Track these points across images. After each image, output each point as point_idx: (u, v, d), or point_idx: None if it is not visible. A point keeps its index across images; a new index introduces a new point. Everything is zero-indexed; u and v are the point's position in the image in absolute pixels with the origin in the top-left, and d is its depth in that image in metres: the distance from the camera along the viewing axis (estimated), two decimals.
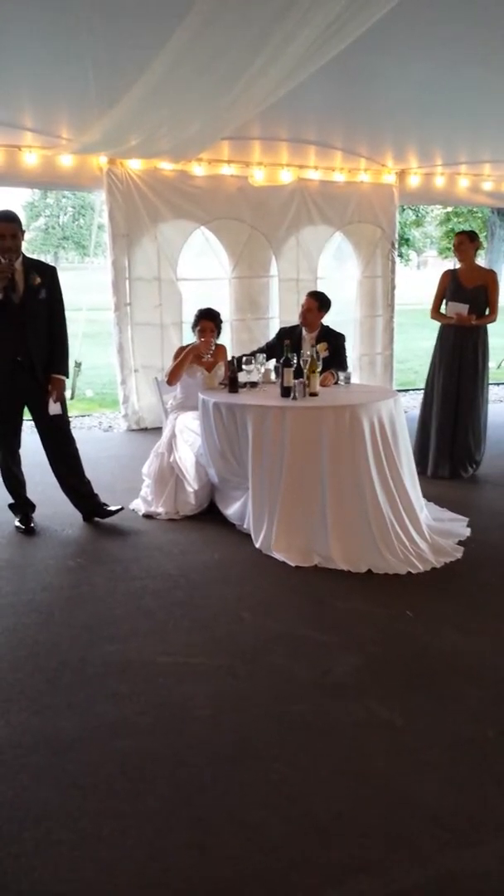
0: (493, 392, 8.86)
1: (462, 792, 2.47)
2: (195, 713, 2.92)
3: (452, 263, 6.50)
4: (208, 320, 5.63)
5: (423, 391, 6.67)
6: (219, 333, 5.74)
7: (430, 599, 3.95)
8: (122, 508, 5.14)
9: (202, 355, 5.57)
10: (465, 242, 6.28)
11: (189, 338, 5.90)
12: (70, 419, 5.19)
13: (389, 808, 2.39)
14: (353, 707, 2.95)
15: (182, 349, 5.69)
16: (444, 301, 6.34)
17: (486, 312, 6.24)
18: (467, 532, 4.87)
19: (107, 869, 2.15)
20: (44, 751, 2.68)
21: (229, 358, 5.56)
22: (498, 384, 11.01)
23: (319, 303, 5.72)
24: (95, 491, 5.14)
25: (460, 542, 4.69)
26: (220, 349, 5.76)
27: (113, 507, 5.11)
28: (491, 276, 6.35)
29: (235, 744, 2.73)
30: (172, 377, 5.56)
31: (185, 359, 5.50)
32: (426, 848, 2.22)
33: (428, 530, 4.65)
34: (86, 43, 4.60)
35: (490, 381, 6.61)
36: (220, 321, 5.73)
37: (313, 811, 2.38)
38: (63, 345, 4.88)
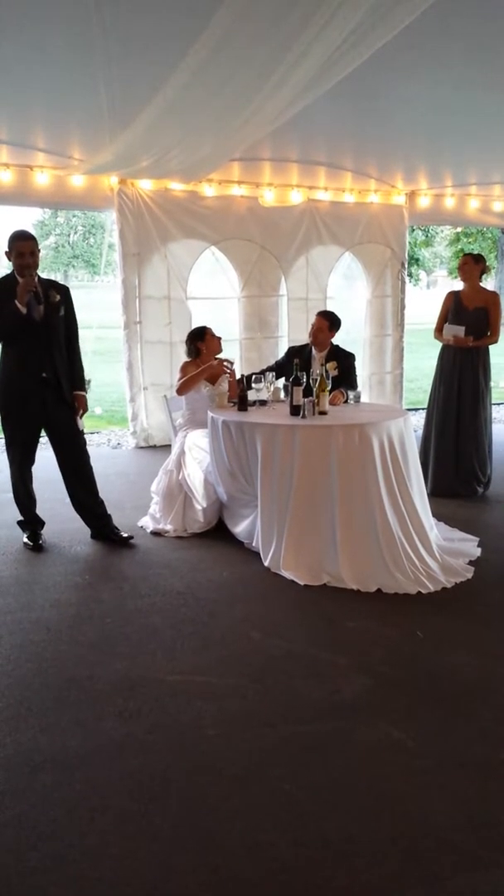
0: (499, 412, 8.85)
1: (474, 813, 2.44)
2: (203, 732, 2.89)
3: (462, 284, 6.52)
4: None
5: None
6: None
7: (440, 619, 3.92)
8: (132, 537, 5.08)
9: (218, 376, 5.61)
10: (470, 264, 6.34)
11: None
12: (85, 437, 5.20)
13: (401, 830, 2.36)
14: (363, 728, 2.93)
15: (187, 364, 5.70)
16: (446, 323, 6.38)
17: (487, 334, 6.26)
18: (478, 552, 4.84)
19: (115, 888, 2.13)
20: (51, 769, 2.66)
21: (238, 376, 5.58)
22: (501, 404, 10.99)
23: (330, 322, 5.73)
24: (108, 512, 5.13)
25: (471, 562, 4.67)
26: (221, 363, 5.82)
27: (125, 535, 5.07)
28: (493, 298, 6.39)
29: (244, 764, 2.70)
30: (183, 389, 5.56)
31: (201, 375, 5.50)
32: (438, 870, 2.19)
33: (438, 550, 4.63)
34: (99, 65, 4.65)
35: (494, 401, 6.61)
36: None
37: (324, 832, 2.35)
38: (80, 362, 4.99)
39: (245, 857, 2.25)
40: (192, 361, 5.69)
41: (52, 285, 4.82)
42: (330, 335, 5.75)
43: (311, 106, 5.04)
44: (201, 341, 5.69)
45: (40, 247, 4.82)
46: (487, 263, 6.59)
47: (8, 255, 4.65)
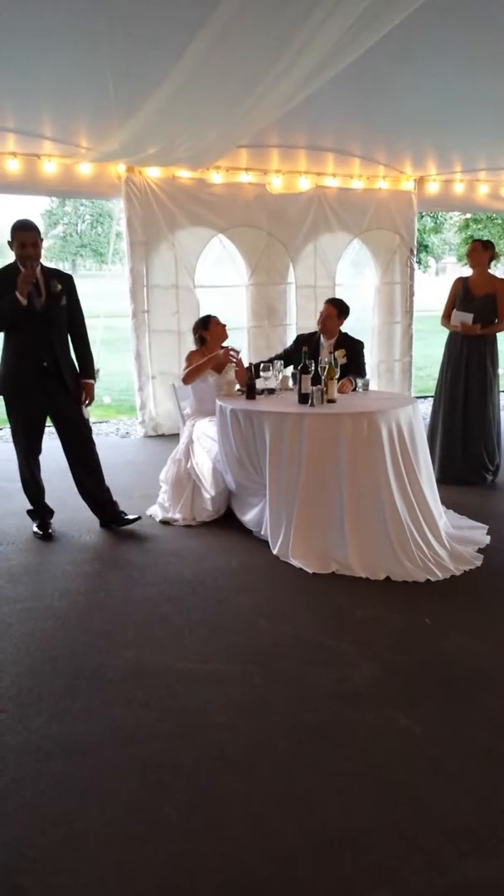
0: None
1: (481, 801, 2.45)
2: (212, 719, 2.91)
3: (471, 270, 6.49)
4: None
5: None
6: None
7: (449, 608, 3.92)
8: (139, 518, 5.15)
9: (224, 365, 5.60)
10: (479, 250, 6.29)
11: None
12: (91, 425, 5.21)
13: (408, 817, 2.37)
14: (371, 715, 2.94)
15: (193, 353, 5.70)
16: (454, 310, 6.35)
17: (495, 321, 6.23)
18: (487, 540, 4.83)
19: (126, 874, 2.15)
20: (62, 756, 2.69)
21: (245, 365, 5.57)
22: None
23: (339, 310, 5.71)
24: (114, 498, 5.15)
25: (480, 550, 4.66)
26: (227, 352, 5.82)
27: (131, 516, 5.12)
28: (501, 284, 6.32)
29: (252, 751, 2.72)
30: (188, 378, 5.56)
31: (206, 365, 5.50)
32: (445, 857, 2.20)
33: (447, 538, 4.62)
34: (105, 53, 4.64)
35: (502, 389, 6.58)
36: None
37: (331, 819, 2.36)
38: (89, 350, 5.00)
39: (252, 842, 2.27)
40: (198, 350, 5.69)
41: (54, 274, 4.82)
42: (339, 323, 5.73)
43: (318, 92, 5.01)
44: (205, 330, 5.69)
45: (48, 236, 4.85)
46: (497, 250, 6.54)
47: (10, 244, 4.64)
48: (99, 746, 2.74)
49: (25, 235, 4.58)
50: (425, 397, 9.89)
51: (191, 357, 5.61)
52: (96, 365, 5.17)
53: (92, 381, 4.98)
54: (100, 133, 6.60)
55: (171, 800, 2.45)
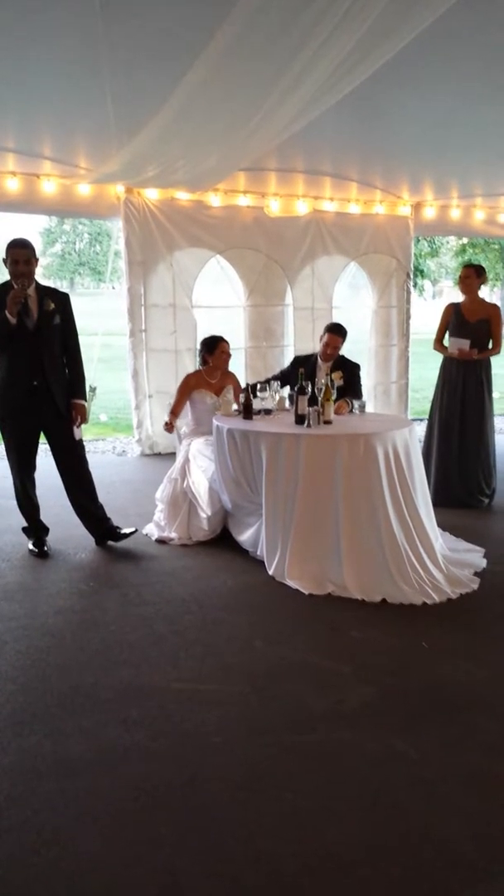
0: (502, 423, 8.85)
1: (478, 825, 2.43)
2: (207, 740, 2.89)
3: (462, 296, 6.55)
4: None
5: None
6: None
7: (445, 630, 3.91)
8: (135, 531, 5.14)
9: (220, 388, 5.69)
10: (472, 277, 6.36)
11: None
12: (84, 443, 5.22)
13: (405, 841, 2.35)
14: (367, 738, 2.92)
15: (189, 377, 5.76)
16: (447, 334, 6.40)
17: (489, 346, 6.28)
18: (483, 563, 4.83)
19: (119, 894, 2.13)
20: (55, 775, 2.66)
21: (243, 385, 5.61)
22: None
23: (343, 338, 5.76)
24: (108, 515, 5.15)
25: (476, 573, 4.66)
26: (230, 376, 5.88)
27: (126, 530, 5.11)
28: (494, 310, 6.40)
29: (247, 773, 2.70)
30: (177, 411, 5.76)
31: (181, 403, 5.76)
32: (442, 882, 2.18)
33: (443, 560, 4.62)
34: (106, 76, 4.70)
35: (497, 413, 6.61)
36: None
37: (326, 843, 2.34)
38: (81, 370, 4.98)
39: (247, 866, 2.25)
40: (196, 373, 5.74)
41: (49, 293, 4.83)
42: (339, 348, 5.79)
43: (316, 117, 5.08)
44: (209, 354, 5.73)
45: (47, 254, 4.87)
46: (494, 274, 6.63)
47: (4, 261, 4.67)
48: (92, 766, 2.72)
49: (18, 252, 4.60)
50: (421, 419, 9.92)
51: (186, 381, 5.71)
52: (93, 383, 5.19)
53: (83, 402, 4.95)
54: (99, 155, 6.67)
55: (165, 821, 2.43)
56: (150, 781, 2.63)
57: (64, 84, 5.04)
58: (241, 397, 5.26)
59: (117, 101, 5.06)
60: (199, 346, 5.91)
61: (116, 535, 5.11)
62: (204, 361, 5.76)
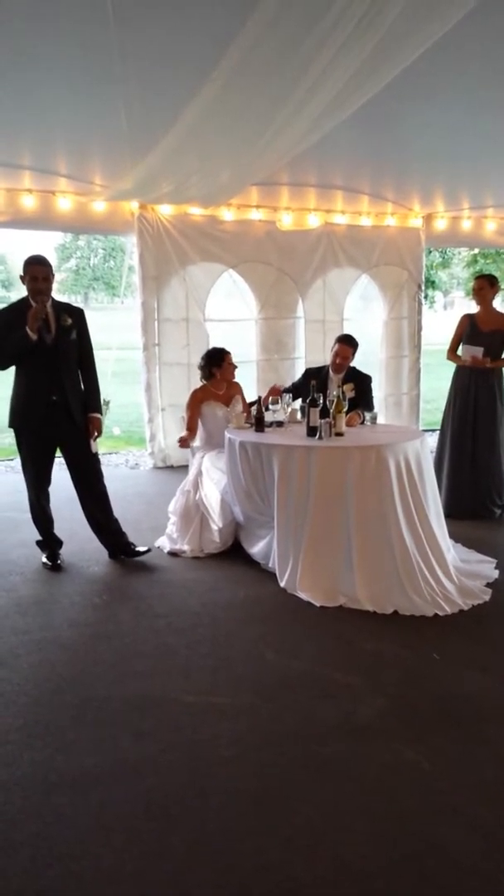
0: None
1: (490, 836, 2.42)
2: (218, 752, 2.90)
3: (476, 307, 6.57)
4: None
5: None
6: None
7: (456, 642, 3.90)
8: (149, 550, 5.17)
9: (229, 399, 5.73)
10: (486, 288, 6.38)
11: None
12: (100, 457, 5.26)
13: (417, 853, 2.35)
14: (378, 749, 2.92)
15: (196, 392, 5.79)
16: (462, 344, 6.41)
17: (502, 356, 6.29)
18: (495, 574, 4.82)
19: None
20: (67, 788, 2.68)
21: (248, 397, 5.65)
22: None
23: (354, 350, 5.78)
24: (123, 529, 5.18)
25: (488, 584, 4.64)
26: (235, 386, 5.93)
27: (141, 549, 5.14)
28: None
29: (259, 784, 2.70)
30: (192, 428, 5.79)
31: (194, 418, 5.77)
32: (454, 893, 2.17)
33: (455, 572, 4.61)
34: (120, 94, 4.76)
35: None
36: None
37: (337, 853, 2.34)
38: (97, 384, 5.03)
39: (259, 877, 2.25)
40: (202, 388, 5.77)
41: (65, 308, 4.89)
42: (351, 360, 5.81)
43: (329, 131, 5.11)
44: (217, 367, 5.76)
45: (61, 269, 4.93)
46: (502, 284, 6.64)
47: (22, 278, 4.73)
48: (105, 778, 2.74)
49: (37, 269, 4.66)
50: (433, 431, 9.91)
51: (194, 395, 5.75)
52: (106, 397, 5.22)
53: (99, 416, 5.01)
54: (114, 171, 6.74)
55: (177, 833, 2.44)
56: (161, 793, 2.65)
57: (78, 100, 5.10)
58: (253, 410, 5.29)
59: (131, 118, 5.12)
60: (201, 361, 5.91)
61: (130, 551, 5.13)
62: (210, 374, 5.79)
